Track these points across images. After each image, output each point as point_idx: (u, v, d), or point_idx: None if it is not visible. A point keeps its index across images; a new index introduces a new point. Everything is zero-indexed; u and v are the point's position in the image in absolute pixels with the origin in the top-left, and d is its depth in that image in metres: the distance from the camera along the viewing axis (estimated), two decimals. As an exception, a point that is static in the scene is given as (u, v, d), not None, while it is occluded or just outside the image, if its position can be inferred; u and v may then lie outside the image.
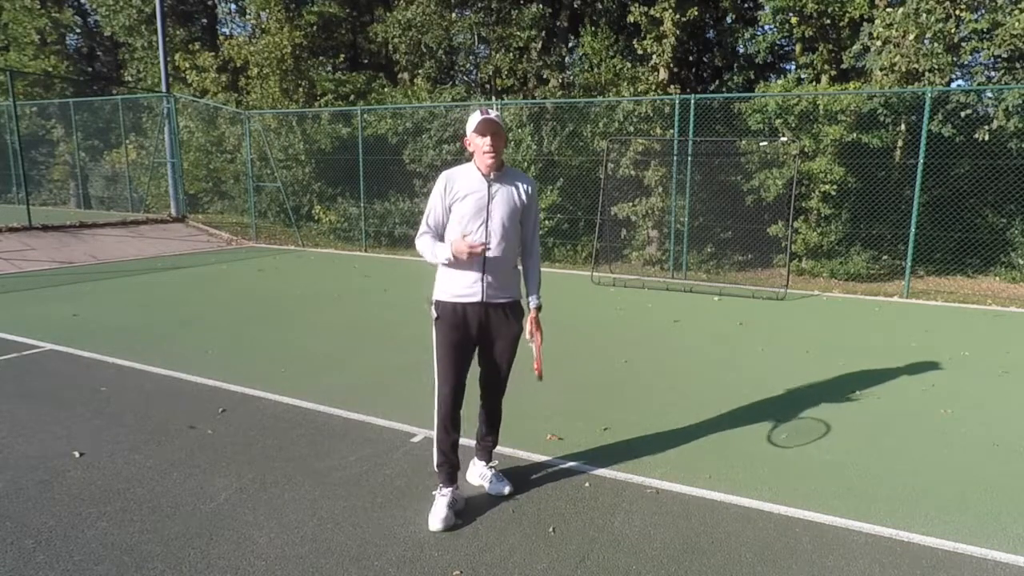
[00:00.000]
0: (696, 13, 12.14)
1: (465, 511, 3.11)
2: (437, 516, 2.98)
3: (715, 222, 11.10)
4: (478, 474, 3.35)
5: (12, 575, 2.61)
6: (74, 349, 5.74)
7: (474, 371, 3.14)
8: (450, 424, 3.07)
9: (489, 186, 2.98)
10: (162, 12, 14.28)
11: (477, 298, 2.99)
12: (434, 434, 3.11)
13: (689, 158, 10.51)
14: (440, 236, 3.05)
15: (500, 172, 3.01)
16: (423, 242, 3.05)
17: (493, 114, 2.94)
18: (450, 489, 3.08)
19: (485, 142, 2.92)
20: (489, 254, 2.95)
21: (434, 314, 3.05)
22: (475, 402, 3.25)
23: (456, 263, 2.95)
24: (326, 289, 8.92)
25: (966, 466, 3.66)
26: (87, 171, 18.64)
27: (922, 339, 6.55)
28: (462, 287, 2.99)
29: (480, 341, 3.08)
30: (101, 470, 3.49)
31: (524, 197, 3.04)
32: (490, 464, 3.36)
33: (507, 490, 3.26)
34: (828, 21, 11.93)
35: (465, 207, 2.95)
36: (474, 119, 2.94)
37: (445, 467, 3.09)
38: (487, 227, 2.96)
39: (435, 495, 3.10)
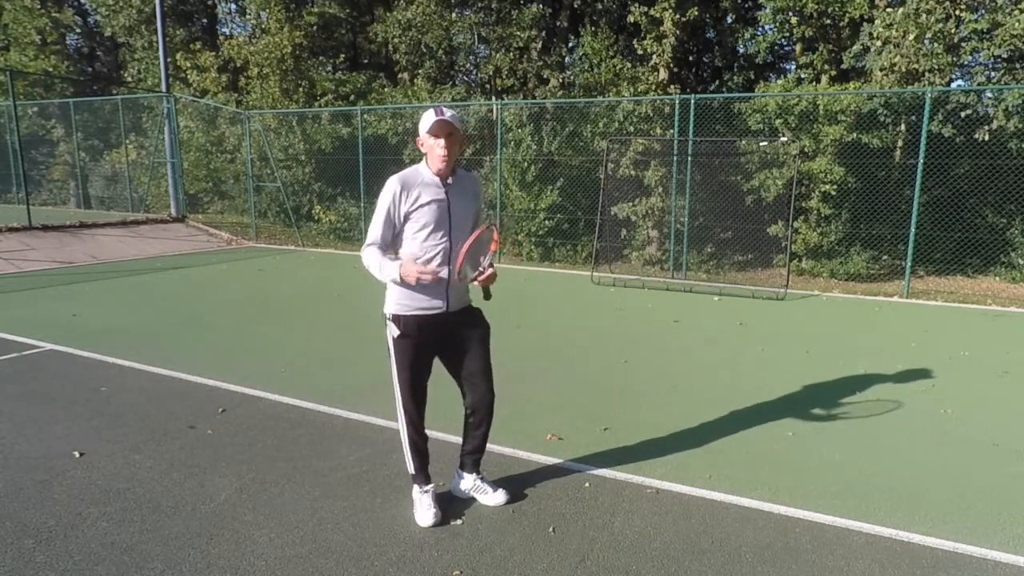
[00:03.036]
0: (696, 13, 12.15)
1: (465, 511, 3.11)
2: (428, 514, 2.97)
3: (715, 222, 11.11)
4: (470, 486, 3.21)
5: (12, 575, 2.61)
6: (74, 349, 5.74)
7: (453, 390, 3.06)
8: (420, 428, 3.01)
9: (447, 191, 2.82)
10: (162, 12, 14.29)
11: (442, 309, 2.87)
12: (404, 442, 3.03)
13: (689, 158, 10.51)
14: (390, 247, 2.85)
15: (454, 176, 2.86)
16: (370, 255, 2.80)
17: (448, 115, 2.74)
18: (431, 486, 3.06)
19: (438, 143, 2.75)
20: (452, 257, 2.81)
21: (395, 331, 2.87)
22: (457, 399, 3.11)
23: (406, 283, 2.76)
24: (326, 289, 8.92)
25: (966, 466, 3.66)
26: (87, 171, 18.65)
27: (922, 339, 6.55)
28: (426, 299, 2.84)
29: (448, 351, 2.97)
30: (101, 470, 3.49)
31: (475, 201, 2.93)
32: (480, 474, 3.23)
33: (504, 499, 3.16)
34: (828, 21, 11.93)
35: (427, 215, 2.78)
36: (428, 119, 2.76)
37: (423, 470, 3.05)
38: (450, 236, 2.82)
39: (415, 496, 3.06)
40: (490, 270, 2.79)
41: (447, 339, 2.95)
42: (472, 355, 3.00)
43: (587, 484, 3.40)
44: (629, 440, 3.94)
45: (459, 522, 3.02)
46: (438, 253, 2.82)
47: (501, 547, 2.83)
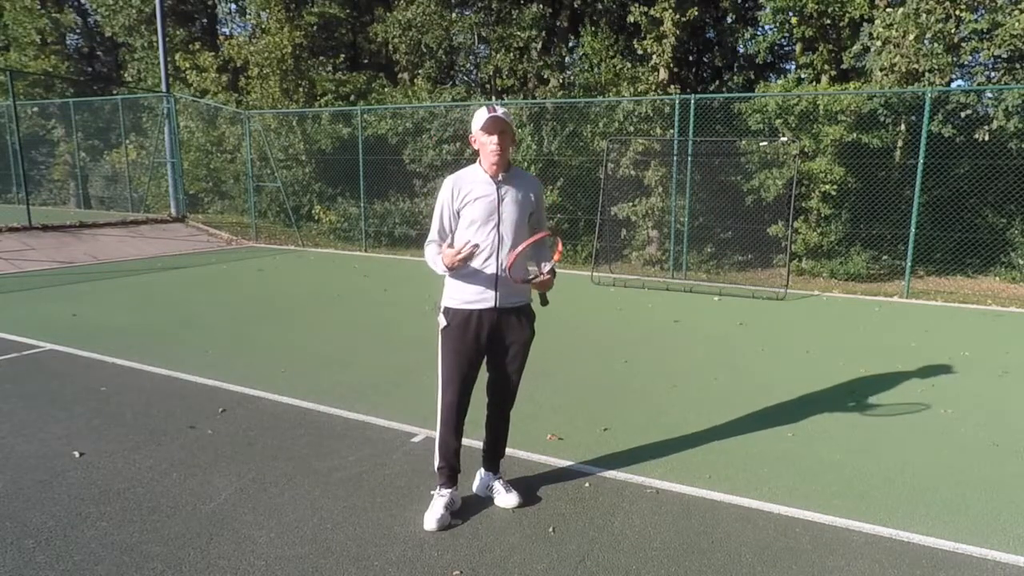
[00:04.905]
0: (696, 13, 12.14)
1: (465, 511, 3.11)
2: (433, 516, 2.97)
3: (715, 222, 11.10)
4: (486, 486, 3.25)
5: (12, 575, 2.61)
6: (74, 349, 5.74)
7: (482, 378, 3.10)
8: (454, 431, 3.02)
9: (498, 188, 2.88)
10: (162, 12, 14.28)
11: (490, 304, 2.91)
12: (436, 437, 3.07)
13: (689, 158, 10.51)
14: (449, 243, 2.96)
15: (507, 173, 2.90)
16: (429, 251, 2.96)
17: (500, 112, 2.81)
18: (449, 491, 3.07)
19: (491, 140, 2.82)
20: (500, 253, 2.88)
21: (443, 322, 2.96)
22: (481, 407, 3.17)
23: (458, 271, 2.87)
24: (326, 289, 8.92)
25: (966, 466, 3.66)
26: (87, 171, 18.64)
27: (922, 339, 6.55)
28: (474, 293, 2.90)
29: (490, 348, 3.00)
30: (101, 470, 3.49)
31: (532, 198, 2.95)
32: (498, 475, 3.27)
33: (516, 502, 3.16)
34: (828, 21, 11.93)
35: (475, 211, 2.85)
36: (480, 116, 2.83)
37: (446, 470, 3.07)
38: (499, 230, 2.88)
39: (433, 495, 3.10)
40: (547, 276, 2.88)
41: (493, 336, 2.97)
42: (509, 358, 3.05)
43: (587, 484, 3.40)
44: (629, 440, 3.94)
45: (459, 522, 3.02)
46: (486, 247, 2.88)
47: (501, 547, 2.83)
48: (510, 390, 3.13)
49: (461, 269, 2.87)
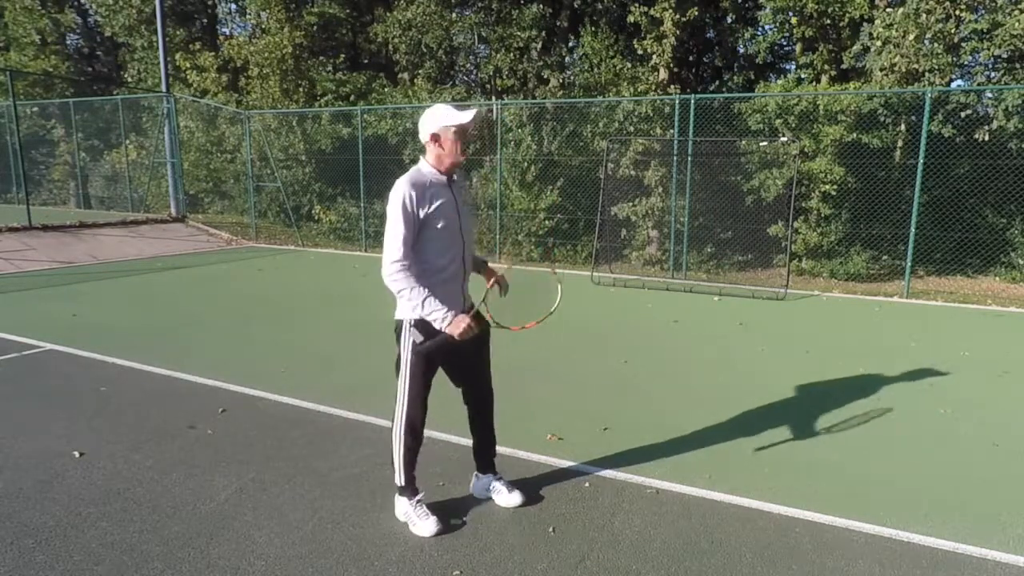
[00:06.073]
0: (696, 13, 12.14)
1: (465, 511, 3.11)
2: (429, 520, 2.91)
3: (715, 222, 11.10)
4: (485, 487, 3.21)
5: (12, 575, 2.61)
6: (74, 349, 5.74)
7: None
8: (420, 434, 2.93)
9: (451, 189, 2.78)
10: (162, 12, 14.28)
11: (460, 307, 2.81)
12: (399, 452, 2.90)
13: (689, 158, 10.51)
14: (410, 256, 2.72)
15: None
16: (403, 279, 2.64)
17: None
18: (423, 493, 3.02)
19: (465, 142, 2.73)
20: (464, 257, 2.85)
21: (419, 337, 2.73)
22: (463, 407, 3.14)
23: (434, 284, 2.71)
24: (326, 289, 8.92)
25: (966, 466, 3.66)
26: (87, 171, 18.64)
27: (922, 339, 6.55)
28: (446, 299, 2.72)
29: (458, 354, 2.85)
30: (101, 470, 3.49)
31: (470, 195, 2.91)
32: (498, 475, 3.24)
33: (518, 501, 3.13)
34: (828, 21, 11.92)
35: (438, 217, 2.68)
36: (465, 114, 2.67)
37: (415, 480, 2.98)
38: (462, 235, 2.80)
39: (412, 506, 2.96)
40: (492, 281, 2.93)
41: (464, 342, 2.80)
42: (480, 356, 3.04)
43: (587, 484, 3.40)
44: (629, 440, 3.94)
45: (459, 522, 3.02)
46: (455, 255, 2.81)
47: (501, 547, 2.83)
48: (489, 390, 3.12)
49: (436, 282, 2.74)
